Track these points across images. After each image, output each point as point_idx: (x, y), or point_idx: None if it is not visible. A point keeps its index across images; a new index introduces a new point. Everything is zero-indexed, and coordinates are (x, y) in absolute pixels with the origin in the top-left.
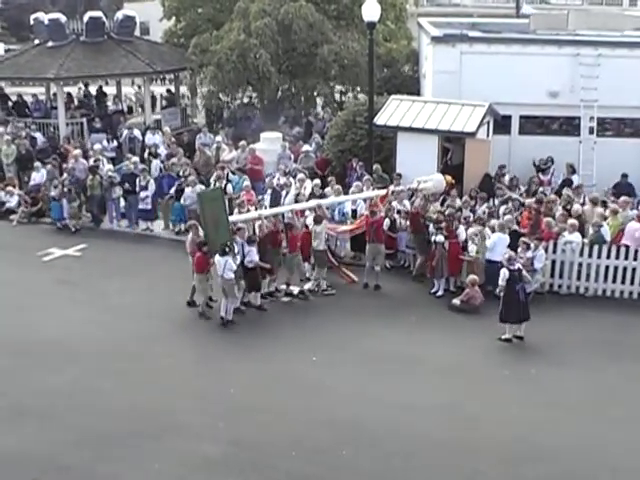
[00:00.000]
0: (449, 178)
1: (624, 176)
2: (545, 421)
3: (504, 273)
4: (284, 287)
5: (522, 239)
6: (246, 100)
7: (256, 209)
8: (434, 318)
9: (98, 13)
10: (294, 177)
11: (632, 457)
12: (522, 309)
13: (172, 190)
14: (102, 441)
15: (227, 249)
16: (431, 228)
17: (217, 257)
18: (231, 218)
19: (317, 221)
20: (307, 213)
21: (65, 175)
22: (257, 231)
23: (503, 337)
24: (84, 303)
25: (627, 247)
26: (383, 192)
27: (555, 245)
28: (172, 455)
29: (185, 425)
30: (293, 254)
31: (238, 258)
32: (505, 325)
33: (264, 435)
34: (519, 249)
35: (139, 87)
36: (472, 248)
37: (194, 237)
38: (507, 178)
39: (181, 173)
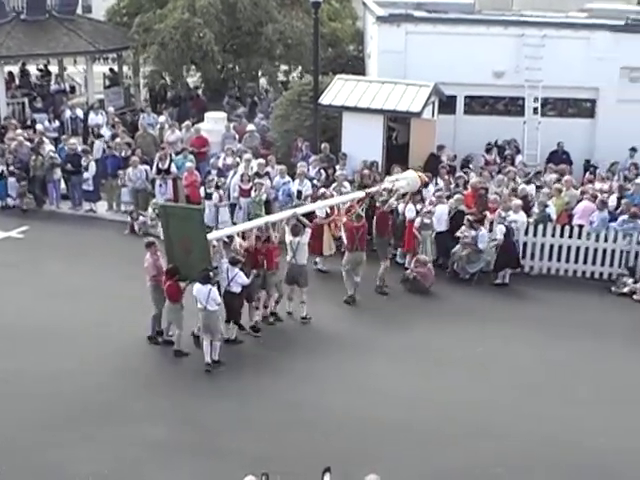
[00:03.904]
0: (424, 176)
1: (559, 145)
2: (492, 400)
3: None
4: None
5: (467, 217)
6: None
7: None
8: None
9: None
10: (240, 157)
11: (583, 431)
12: None
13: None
14: (51, 426)
15: (210, 275)
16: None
17: (197, 286)
18: (210, 236)
19: (296, 232)
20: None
21: (8, 155)
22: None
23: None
24: (30, 286)
25: (580, 227)
26: (361, 194)
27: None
28: (123, 438)
29: (136, 408)
30: (271, 271)
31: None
32: None
33: (214, 416)
34: (463, 227)
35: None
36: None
37: (154, 258)
38: (445, 158)
39: (123, 154)
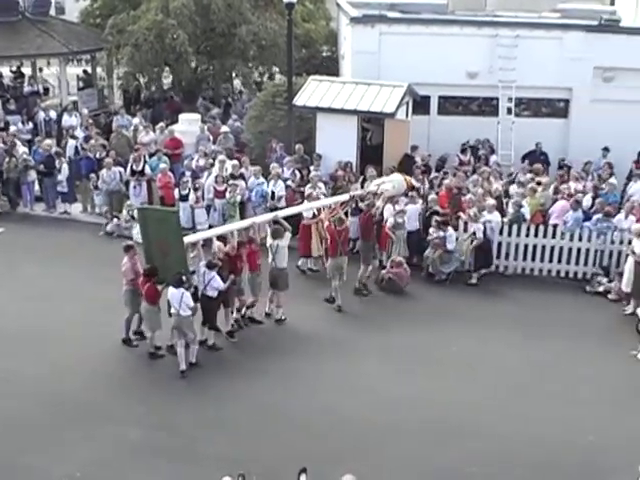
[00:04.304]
0: (409, 179)
1: (537, 145)
2: (468, 400)
3: None
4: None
5: (434, 218)
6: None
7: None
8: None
9: None
10: (214, 159)
11: (556, 430)
12: None
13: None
14: (24, 428)
15: (183, 279)
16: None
17: (171, 289)
18: (186, 239)
19: (276, 235)
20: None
21: None
22: (218, 251)
23: None
24: (4, 288)
25: (555, 226)
26: (345, 197)
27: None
28: (97, 441)
29: (111, 411)
30: (255, 273)
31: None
32: None
33: (191, 419)
34: (431, 229)
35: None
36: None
37: (132, 262)
38: (419, 158)
39: (97, 155)
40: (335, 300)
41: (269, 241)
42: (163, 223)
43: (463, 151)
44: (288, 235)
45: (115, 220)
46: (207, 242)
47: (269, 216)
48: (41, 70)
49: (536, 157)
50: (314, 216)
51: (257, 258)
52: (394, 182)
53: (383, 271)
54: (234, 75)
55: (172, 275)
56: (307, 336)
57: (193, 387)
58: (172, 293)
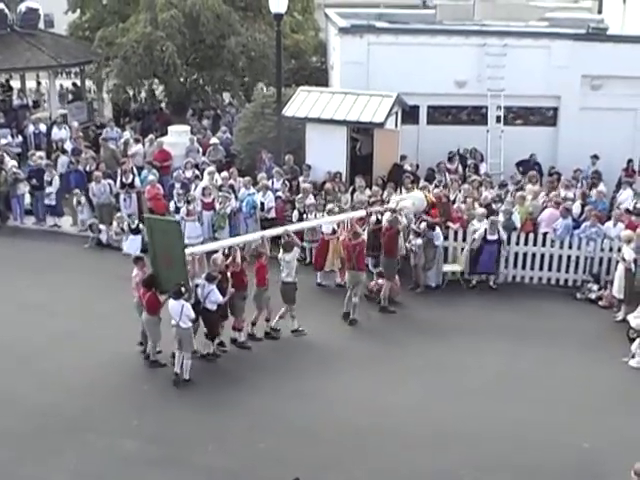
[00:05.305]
0: (430, 196)
1: (532, 156)
2: (464, 408)
3: None
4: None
5: (410, 227)
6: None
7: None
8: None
9: None
10: (201, 171)
11: (549, 436)
12: None
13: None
14: (21, 442)
15: (183, 290)
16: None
17: (171, 301)
18: (189, 251)
19: (287, 249)
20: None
21: None
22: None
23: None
24: None
25: (545, 234)
26: (361, 213)
27: (465, 232)
28: (92, 452)
29: (105, 421)
30: (262, 288)
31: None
32: None
33: (180, 431)
34: (410, 236)
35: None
36: None
37: (142, 273)
38: (408, 168)
39: (87, 168)
40: (351, 314)
41: (280, 254)
42: (166, 234)
43: (450, 159)
44: (297, 250)
45: (103, 227)
46: (210, 254)
47: (279, 230)
48: (39, 84)
49: (530, 166)
50: (334, 232)
51: (265, 272)
52: (414, 199)
53: (372, 282)
54: (223, 86)
55: (175, 286)
56: (305, 347)
57: (188, 398)
58: (172, 305)
